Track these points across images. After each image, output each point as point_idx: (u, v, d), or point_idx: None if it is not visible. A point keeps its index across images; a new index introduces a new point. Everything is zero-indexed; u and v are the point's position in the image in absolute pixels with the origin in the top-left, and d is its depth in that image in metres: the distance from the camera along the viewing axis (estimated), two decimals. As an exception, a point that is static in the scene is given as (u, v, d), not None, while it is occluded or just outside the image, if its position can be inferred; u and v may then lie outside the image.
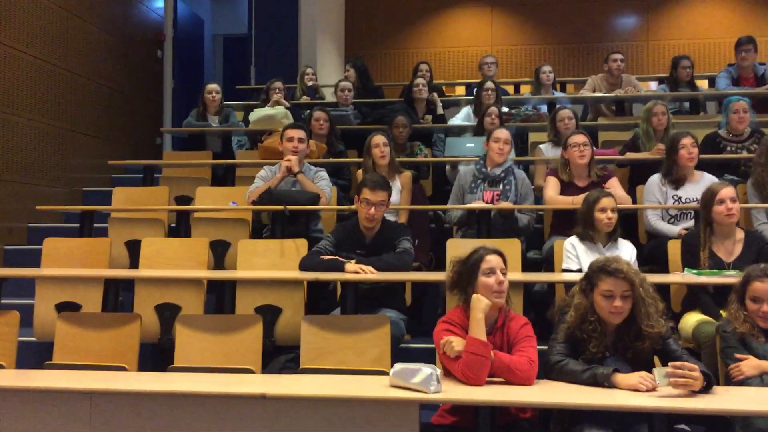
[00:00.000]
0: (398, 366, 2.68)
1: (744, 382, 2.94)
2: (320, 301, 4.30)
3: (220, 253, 4.91)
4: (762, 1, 10.06)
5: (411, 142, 6.09)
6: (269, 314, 4.07)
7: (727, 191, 3.79)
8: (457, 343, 2.78)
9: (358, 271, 3.73)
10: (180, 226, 5.18)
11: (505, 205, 4.65)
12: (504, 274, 2.92)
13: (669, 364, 2.55)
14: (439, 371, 2.60)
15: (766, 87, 6.67)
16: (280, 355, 3.81)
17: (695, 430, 3.31)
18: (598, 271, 2.90)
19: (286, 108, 6.69)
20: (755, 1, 10.06)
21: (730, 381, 3.04)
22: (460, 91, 9.39)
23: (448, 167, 5.88)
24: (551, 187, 4.80)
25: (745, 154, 5.25)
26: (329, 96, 8.20)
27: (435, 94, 6.89)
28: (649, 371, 2.70)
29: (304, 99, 7.81)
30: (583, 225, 4.00)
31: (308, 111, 6.40)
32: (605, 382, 2.68)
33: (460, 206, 4.80)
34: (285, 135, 5.02)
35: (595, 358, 2.85)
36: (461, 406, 2.81)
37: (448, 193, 5.72)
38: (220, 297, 4.25)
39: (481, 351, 2.71)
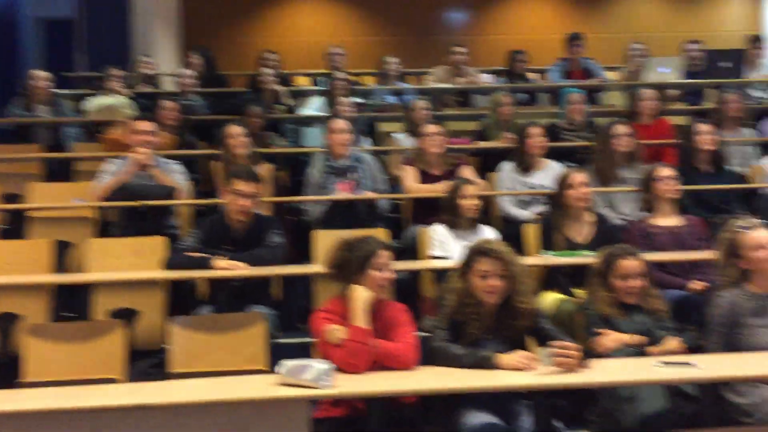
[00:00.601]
0: (288, 363, 2.61)
1: (606, 356, 3.11)
2: (182, 300, 4.10)
3: (61, 254, 4.52)
4: (584, 2, 10.84)
5: (265, 132, 5.95)
6: (127, 318, 3.81)
7: (580, 176, 4.06)
8: (340, 331, 2.77)
9: (228, 267, 3.58)
10: (15, 228, 4.70)
11: (370, 195, 4.69)
12: (391, 268, 2.95)
13: (552, 343, 2.67)
14: (333, 366, 2.57)
15: (598, 79, 7.22)
16: (140, 361, 3.61)
17: (563, 404, 3.50)
18: (474, 253, 2.99)
19: (129, 98, 6.28)
20: (579, 2, 10.83)
21: (591, 356, 3.24)
22: (304, 81, 9.31)
23: None
24: (410, 177, 4.90)
25: (581, 142, 5.64)
26: (169, 85, 7.81)
27: (280, 86, 6.76)
28: (526, 350, 2.83)
29: (144, 87, 7.36)
30: (448, 212, 4.11)
31: (152, 100, 6.06)
32: (488, 365, 2.76)
33: (326, 197, 4.76)
34: (134, 127, 4.73)
35: (475, 340, 2.93)
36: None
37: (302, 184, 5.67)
38: (68, 302, 3.93)
39: (364, 339, 2.74)
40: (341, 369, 2.69)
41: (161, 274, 3.75)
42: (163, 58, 9.27)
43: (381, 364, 2.78)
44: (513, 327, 2.95)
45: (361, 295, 2.83)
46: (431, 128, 4.97)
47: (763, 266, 3.10)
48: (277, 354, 3.13)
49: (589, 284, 3.43)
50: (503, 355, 2.76)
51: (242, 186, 3.82)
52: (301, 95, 7.19)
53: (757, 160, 5.56)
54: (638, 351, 3.13)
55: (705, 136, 4.90)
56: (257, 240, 3.87)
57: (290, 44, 10.20)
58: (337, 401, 2.88)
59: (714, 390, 2.78)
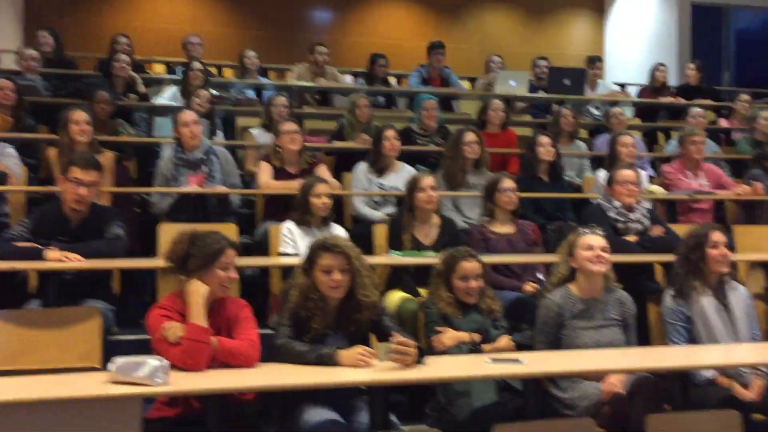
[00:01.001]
0: (120, 360, 2.51)
1: (444, 352, 3.27)
2: (8, 294, 3.82)
3: None
4: (446, 12, 11.19)
5: (113, 119, 5.68)
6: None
7: (429, 180, 4.20)
8: (179, 329, 2.70)
9: (62, 259, 3.39)
10: None
11: (222, 189, 4.60)
12: (235, 268, 2.90)
13: (393, 340, 2.75)
14: (166, 362, 2.49)
15: (454, 88, 7.49)
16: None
17: (401, 400, 3.61)
18: (317, 249, 3.02)
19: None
20: (440, 11, 11.18)
21: (431, 352, 3.37)
22: (159, 69, 8.96)
23: None
24: (265, 173, 4.86)
25: (433, 147, 5.83)
26: (9, 63, 7.26)
27: (138, 79, 6.46)
28: (368, 346, 2.90)
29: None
30: (300, 210, 4.12)
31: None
32: (329, 362, 2.79)
33: (174, 189, 4.61)
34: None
35: (319, 335, 2.96)
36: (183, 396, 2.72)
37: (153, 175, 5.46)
38: None
39: (202, 337, 2.67)
40: (179, 367, 2.61)
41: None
42: (5, 35, 8.63)
43: (222, 361, 2.73)
44: (356, 321, 3.00)
45: (198, 291, 2.75)
46: (289, 126, 4.96)
47: (588, 267, 3.36)
48: (114, 351, 2.98)
49: (431, 284, 3.56)
50: (343, 351, 2.80)
51: (80, 174, 3.63)
52: (155, 83, 6.93)
53: (589, 172, 6.01)
54: (473, 348, 3.31)
55: (545, 147, 5.22)
56: (95, 232, 3.69)
57: (145, 29, 9.78)
58: (173, 400, 2.81)
59: (538, 385, 2.97)
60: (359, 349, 2.78)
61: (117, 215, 3.85)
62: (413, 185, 4.21)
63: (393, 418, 3.10)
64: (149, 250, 4.78)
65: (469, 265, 3.47)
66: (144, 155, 5.81)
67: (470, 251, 3.58)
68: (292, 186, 4.61)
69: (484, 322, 3.47)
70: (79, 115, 4.66)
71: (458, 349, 3.28)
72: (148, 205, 5.05)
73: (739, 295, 3.60)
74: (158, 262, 4.04)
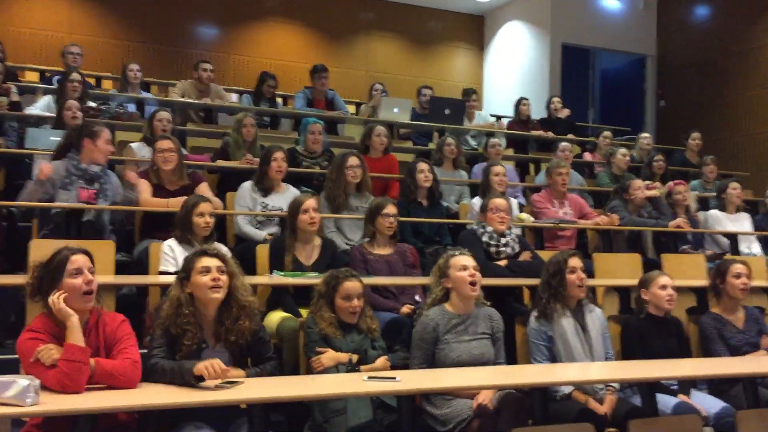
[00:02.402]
0: (-13, 380, 2.41)
1: (324, 373, 3.36)
2: None
3: None
4: (333, 36, 11.40)
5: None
6: None
7: (310, 202, 4.28)
8: (54, 351, 2.63)
9: None
10: None
11: (111, 206, 4.50)
12: (92, 273, 2.83)
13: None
14: (37, 382, 2.43)
15: (339, 112, 7.63)
16: None
17: (280, 419, 3.64)
18: (193, 256, 3.07)
19: None
20: (327, 35, 11.36)
21: (311, 371, 3.45)
22: (33, 77, 8.57)
23: None
24: (145, 190, 4.78)
25: (318, 170, 5.93)
26: None
27: (12, 85, 6.17)
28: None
29: None
30: (182, 228, 4.09)
31: None
32: (191, 379, 2.73)
33: (59, 204, 4.43)
34: None
35: (192, 352, 2.94)
36: (52, 417, 2.64)
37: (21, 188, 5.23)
38: None
39: (80, 357, 2.61)
40: (58, 390, 2.55)
41: None
42: None
43: (102, 383, 2.68)
44: (237, 330, 3.01)
45: (63, 310, 2.68)
46: (163, 143, 4.88)
47: (462, 286, 3.56)
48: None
49: (312, 304, 3.63)
50: (199, 364, 2.75)
51: None
52: (29, 92, 6.63)
53: (467, 199, 6.31)
54: (351, 369, 3.42)
55: (424, 174, 5.45)
56: None
57: (20, 35, 9.35)
58: (45, 421, 2.72)
59: (412, 402, 3.10)
60: (212, 362, 2.74)
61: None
62: (296, 207, 4.27)
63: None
64: (16, 267, 4.58)
65: (352, 285, 3.58)
66: (12, 167, 5.55)
67: (352, 272, 3.69)
68: (172, 203, 4.56)
69: (363, 343, 3.58)
70: None
71: (336, 369, 3.38)
72: (14, 219, 4.83)
73: (595, 317, 3.91)
74: (25, 278, 3.90)
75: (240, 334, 3.03)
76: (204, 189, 4.91)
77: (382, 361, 3.54)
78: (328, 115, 7.30)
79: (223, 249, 4.18)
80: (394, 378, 3.00)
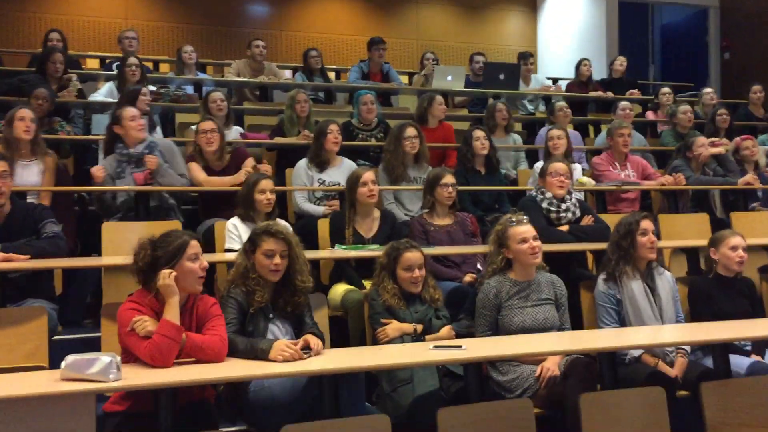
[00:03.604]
0: (71, 357, 2.54)
1: (389, 344, 3.40)
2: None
3: None
4: (382, 7, 11.32)
5: (50, 117, 5.58)
6: None
7: (369, 175, 4.30)
8: (150, 323, 2.75)
9: (9, 259, 3.37)
10: None
11: (169, 187, 4.61)
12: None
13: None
14: (118, 358, 2.54)
15: (392, 83, 7.60)
16: None
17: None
18: (261, 233, 3.17)
19: None
20: (376, 6, 11.29)
21: (377, 341, 3.49)
22: (93, 64, 8.81)
23: None
24: (200, 171, 4.88)
25: (373, 142, 5.94)
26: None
27: (73, 76, 6.33)
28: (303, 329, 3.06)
29: None
30: (244, 206, 4.16)
31: None
32: (262, 356, 2.85)
33: (113, 188, 4.58)
34: None
35: (260, 322, 3.08)
36: (136, 391, 2.75)
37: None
38: None
39: (173, 335, 2.73)
40: (147, 362, 2.68)
41: None
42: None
43: (192, 356, 2.79)
44: (293, 303, 3.16)
45: (173, 290, 2.80)
46: (207, 125, 4.94)
47: (524, 257, 3.54)
48: (59, 350, 3.01)
49: (375, 276, 3.67)
50: (274, 345, 2.86)
51: None
52: (90, 79, 6.82)
53: (525, 165, 6.23)
54: (416, 339, 3.46)
55: (480, 141, 5.39)
56: (25, 229, 3.67)
57: (78, 23, 9.59)
58: (128, 394, 2.85)
59: (478, 369, 3.12)
60: (282, 345, 2.85)
61: (48, 212, 3.84)
62: (354, 181, 4.30)
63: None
64: (90, 249, 4.76)
65: (412, 256, 3.60)
66: (82, 153, 5.74)
67: (412, 242, 3.71)
68: (227, 182, 4.72)
69: (427, 313, 3.61)
70: (25, 113, 4.60)
71: (402, 340, 3.42)
72: (86, 204, 5.01)
73: (665, 280, 3.84)
74: (103, 260, 4.06)
75: (297, 306, 3.17)
76: (249, 164, 4.97)
77: (446, 330, 3.56)
78: (380, 87, 7.27)
79: (287, 227, 4.27)
80: (460, 346, 3.03)
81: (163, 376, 2.60)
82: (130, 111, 4.85)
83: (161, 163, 4.67)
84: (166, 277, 2.81)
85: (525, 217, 3.68)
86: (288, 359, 2.80)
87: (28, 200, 4.30)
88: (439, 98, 6.23)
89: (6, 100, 5.32)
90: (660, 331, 3.64)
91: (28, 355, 3.14)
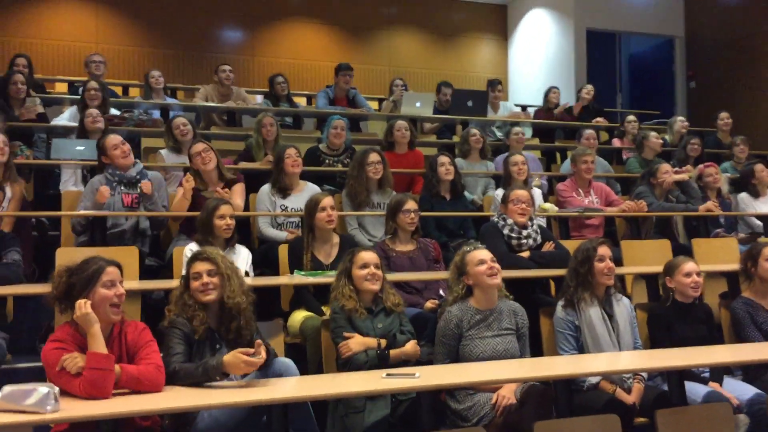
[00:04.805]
0: (7, 388, 2.47)
1: (353, 359, 3.32)
2: None
3: None
4: (354, 33, 11.40)
5: (11, 142, 5.49)
6: None
7: (327, 200, 4.28)
8: (80, 359, 2.68)
9: None
10: None
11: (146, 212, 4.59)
12: (121, 284, 2.90)
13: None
14: (56, 389, 2.47)
15: (361, 109, 7.62)
16: None
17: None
18: (190, 261, 3.23)
19: None
20: (349, 32, 11.37)
21: (339, 357, 3.40)
22: (62, 88, 8.74)
23: None
24: (179, 195, 4.84)
25: (340, 167, 5.93)
26: None
27: (36, 99, 6.29)
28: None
29: None
30: (203, 232, 4.12)
31: None
32: (217, 375, 2.85)
33: (95, 213, 4.53)
34: None
35: (208, 344, 3.07)
36: (77, 423, 2.68)
37: (52, 198, 5.34)
38: None
39: (104, 365, 2.66)
40: (86, 398, 2.60)
41: None
42: None
43: (129, 388, 2.72)
44: (236, 330, 3.12)
45: (88, 317, 2.73)
46: (197, 146, 4.94)
47: (483, 280, 3.52)
48: (9, 380, 2.92)
49: (334, 287, 3.60)
50: (227, 359, 2.83)
51: None
52: (55, 103, 6.76)
53: (492, 191, 6.25)
54: (381, 352, 3.37)
55: (445, 167, 5.41)
56: None
57: (49, 47, 9.54)
58: (69, 428, 2.77)
59: (432, 398, 3.09)
60: (241, 355, 2.82)
61: (14, 241, 3.80)
62: (313, 206, 4.27)
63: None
64: (46, 275, 4.67)
65: (367, 254, 3.59)
66: (44, 178, 5.66)
67: (367, 246, 3.67)
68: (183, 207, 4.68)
69: (391, 327, 3.52)
70: None
71: (365, 354, 3.34)
72: (46, 229, 4.93)
73: (622, 306, 3.85)
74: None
75: (238, 332, 3.12)
76: (239, 190, 4.94)
77: (411, 345, 3.48)
78: (351, 113, 7.29)
79: (244, 252, 4.24)
80: (414, 374, 2.99)
81: (103, 407, 2.53)
82: (112, 140, 4.86)
83: (155, 190, 4.68)
84: (82, 306, 2.74)
85: (481, 245, 3.68)
86: (247, 367, 2.80)
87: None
88: (401, 123, 6.23)
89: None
90: (617, 357, 3.64)
91: (-30, 386, 3.03)
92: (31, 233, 4.87)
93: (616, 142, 8.10)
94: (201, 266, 3.14)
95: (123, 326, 2.91)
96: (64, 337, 2.78)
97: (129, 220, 4.70)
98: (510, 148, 6.56)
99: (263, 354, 2.86)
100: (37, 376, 3.22)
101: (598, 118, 8.47)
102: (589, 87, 8.84)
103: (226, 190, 4.88)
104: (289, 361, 3.15)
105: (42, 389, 2.43)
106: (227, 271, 3.16)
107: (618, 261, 5.12)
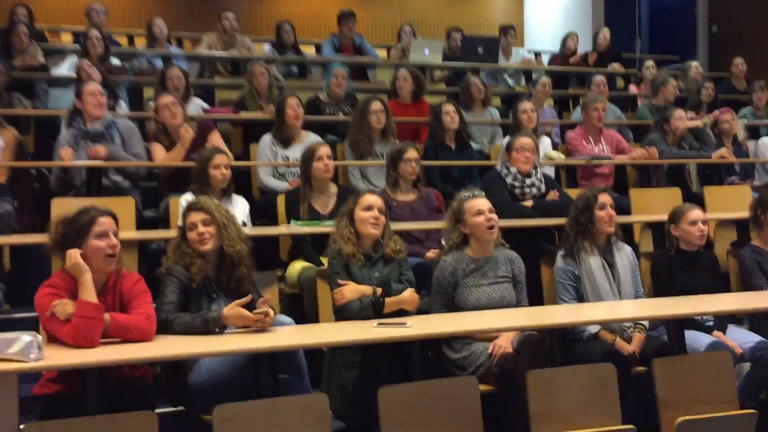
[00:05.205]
0: (-9, 337, 2.46)
1: (346, 306, 3.22)
2: None
3: None
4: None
5: (9, 92, 5.45)
6: None
7: (324, 150, 4.20)
8: (70, 306, 2.67)
9: None
10: None
11: (118, 162, 4.51)
12: (116, 236, 2.87)
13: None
14: (40, 338, 2.46)
15: (367, 57, 7.45)
16: None
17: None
18: (185, 210, 3.20)
19: None
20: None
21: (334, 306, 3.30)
22: (67, 38, 8.64)
23: None
24: (159, 151, 4.78)
25: (341, 117, 5.82)
26: None
27: (38, 50, 6.21)
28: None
29: None
30: (198, 182, 4.08)
31: None
32: (216, 328, 2.85)
33: (77, 162, 4.48)
34: None
35: (204, 293, 3.06)
36: (66, 371, 2.69)
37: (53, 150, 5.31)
38: None
39: (93, 314, 2.65)
40: (73, 345, 2.60)
41: None
42: None
43: (117, 336, 2.72)
44: (235, 279, 3.10)
45: (79, 266, 2.72)
46: (167, 98, 4.83)
47: (480, 231, 3.44)
48: (6, 329, 2.95)
49: (336, 225, 3.50)
50: (228, 312, 2.85)
51: None
52: (57, 53, 6.67)
53: (499, 140, 6.11)
54: (375, 301, 3.23)
55: (450, 116, 5.28)
56: None
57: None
58: (59, 377, 2.78)
59: (422, 347, 3.06)
60: (240, 308, 2.84)
61: (4, 191, 3.75)
62: (309, 155, 4.20)
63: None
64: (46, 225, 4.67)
65: (373, 198, 3.47)
66: (44, 129, 5.62)
67: (373, 189, 3.60)
68: (178, 156, 4.63)
69: (389, 275, 3.40)
70: None
71: (360, 302, 3.22)
72: (45, 180, 4.91)
73: (624, 254, 3.77)
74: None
75: (239, 281, 3.10)
76: (216, 138, 4.86)
77: (408, 292, 3.32)
78: (356, 60, 7.14)
79: (241, 202, 4.20)
80: (405, 323, 2.95)
81: (88, 356, 2.52)
82: (90, 86, 4.78)
83: (112, 151, 4.59)
84: (71, 256, 2.73)
85: (480, 192, 3.59)
86: (246, 320, 2.82)
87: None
88: (403, 72, 6.08)
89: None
90: (617, 306, 3.58)
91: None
92: (31, 184, 4.86)
93: (633, 89, 7.88)
94: (196, 216, 3.11)
95: (119, 277, 2.90)
96: (57, 283, 2.78)
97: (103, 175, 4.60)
98: (534, 98, 6.33)
99: (270, 312, 2.86)
100: (35, 325, 3.24)
101: (614, 64, 8.23)
102: (606, 30, 8.56)
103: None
104: (287, 319, 3.12)
105: (25, 338, 2.42)
106: (222, 220, 3.12)
107: (626, 210, 5.04)
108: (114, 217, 2.88)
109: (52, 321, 2.68)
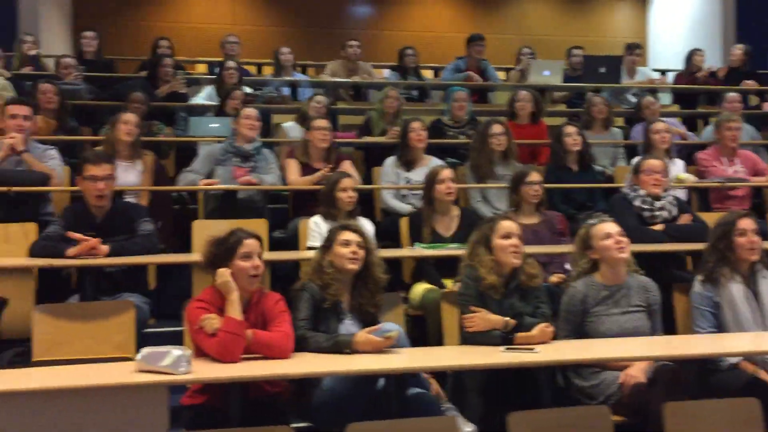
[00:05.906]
0: (145, 350, 2.66)
1: (475, 335, 3.17)
2: (54, 288, 4.04)
3: None
4: (483, 2, 11.19)
5: (149, 120, 5.87)
6: (-4, 307, 3.72)
7: (447, 172, 4.26)
8: (216, 321, 2.84)
9: (83, 252, 3.61)
10: None
11: (259, 185, 4.78)
12: (260, 257, 3.03)
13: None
14: (189, 352, 2.63)
15: (488, 81, 7.48)
16: (6, 350, 3.54)
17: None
18: (337, 229, 3.29)
19: (5, 78, 6.06)
20: (480, 3, 11.17)
21: (463, 330, 3.25)
22: (202, 69, 9.20)
23: None
24: (293, 171, 4.98)
25: (463, 140, 5.85)
26: (53, 67, 7.55)
27: (179, 78, 6.66)
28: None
29: (27, 69, 7.09)
30: (326, 204, 4.22)
31: (31, 83, 5.86)
32: (346, 348, 2.92)
33: (214, 187, 4.75)
34: (8, 111, 4.59)
35: (334, 314, 3.14)
36: (211, 384, 2.86)
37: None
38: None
39: (237, 330, 2.81)
40: (216, 358, 2.77)
41: (24, 262, 3.68)
42: (53, 39, 8.95)
43: (258, 353, 2.87)
44: (369, 303, 3.19)
45: (227, 284, 2.90)
46: (320, 122, 5.07)
47: (610, 254, 3.36)
48: (149, 342, 3.14)
49: (469, 254, 3.42)
50: (358, 337, 2.92)
51: (94, 170, 3.81)
52: (194, 83, 7.12)
53: (623, 161, 5.95)
54: (505, 336, 3.13)
55: (571, 137, 5.20)
56: (124, 227, 3.86)
57: (188, 30, 10.04)
58: (205, 389, 2.95)
59: (551, 373, 3.01)
60: (372, 337, 2.91)
61: (144, 211, 4.04)
62: (432, 178, 4.26)
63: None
64: (186, 246, 4.96)
65: (510, 224, 3.38)
66: (183, 155, 5.99)
67: (506, 214, 3.62)
68: (313, 179, 4.78)
69: (524, 308, 3.28)
70: (129, 117, 4.88)
71: (489, 336, 3.13)
72: (185, 203, 5.23)
73: (769, 283, 3.56)
74: (192, 257, 4.22)
75: (376, 306, 3.19)
76: (347, 167, 5.01)
77: (539, 329, 3.14)
78: (472, 84, 7.16)
79: (367, 225, 4.30)
80: (533, 349, 2.93)
81: (231, 370, 2.67)
82: (247, 110, 5.13)
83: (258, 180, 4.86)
84: (222, 275, 2.91)
85: (607, 217, 3.51)
86: (376, 347, 2.88)
87: (127, 199, 4.53)
88: (523, 94, 6.06)
89: (109, 105, 5.63)
90: (763, 337, 3.38)
91: (116, 347, 3.30)
92: (171, 206, 5.18)
93: (767, 107, 7.45)
94: (351, 236, 3.22)
95: (261, 296, 3.06)
96: (207, 298, 2.97)
97: (242, 192, 4.86)
98: (645, 117, 6.16)
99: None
100: (176, 339, 3.45)
101: (747, 81, 7.82)
102: (740, 47, 8.16)
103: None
104: (394, 326, 3.06)
105: (176, 352, 2.59)
106: (371, 245, 3.27)
107: (764, 234, 4.74)
108: (259, 239, 3.05)
109: (199, 333, 2.87)
